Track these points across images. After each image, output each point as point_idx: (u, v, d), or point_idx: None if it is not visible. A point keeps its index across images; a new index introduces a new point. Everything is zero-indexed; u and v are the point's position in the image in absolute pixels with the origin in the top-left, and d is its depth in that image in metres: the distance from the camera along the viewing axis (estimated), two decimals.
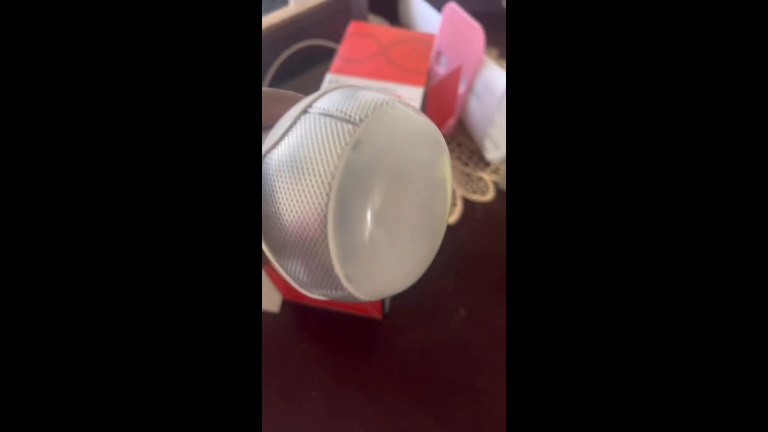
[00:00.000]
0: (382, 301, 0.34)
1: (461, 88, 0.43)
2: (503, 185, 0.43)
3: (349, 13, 0.52)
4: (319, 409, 0.31)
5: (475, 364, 0.33)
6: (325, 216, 0.12)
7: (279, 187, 0.13)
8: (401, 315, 0.36)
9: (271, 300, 0.36)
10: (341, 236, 0.13)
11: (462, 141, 0.47)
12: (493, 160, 0.44)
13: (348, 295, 0.14)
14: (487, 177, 0.44)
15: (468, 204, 0.42)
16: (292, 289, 0.34)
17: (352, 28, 0.43)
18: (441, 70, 0.46)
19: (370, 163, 0.13)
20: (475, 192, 0.43)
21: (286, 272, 0.15)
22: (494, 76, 0.40)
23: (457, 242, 0.39)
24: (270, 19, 0.46)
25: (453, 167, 0.44)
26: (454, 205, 0.42)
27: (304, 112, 0.14)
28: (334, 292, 0.14)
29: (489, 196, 0.43)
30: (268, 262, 0.16)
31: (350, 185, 0.12)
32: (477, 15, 0.42)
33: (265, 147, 0.14)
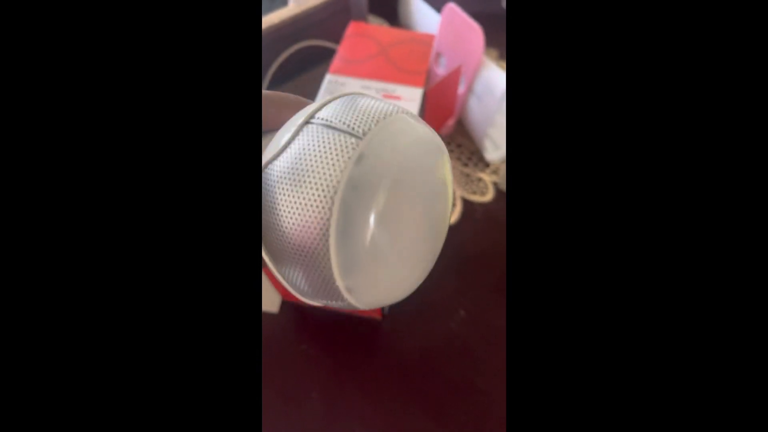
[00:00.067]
0: None
1: (461, 89, 0.43)
2: (503, 186, 0.43)
3: (349, 13, 0.52)
4: (319, 409, 0.31)
5: (475, 365, 0.33)
6: (327, 230, 0.12)
7: (280, 198, 0.13)
8: (401, 316, 0.36)
9: (270, 301, 0.36)
10: (343, 250, 0.13)
11: (462, 141, 0.47)
12: (493, 160, 0.44)
13: (347, 305, 0.14)
14: (487, 177, 0.44)
15: (468, 204, 0.42)
16: None
17: (352, 28, 0.43)
18: (441, 70, 0.46)
19: (372, 178, 0.13)
20: (474, 192, 0.43)
21: (286, 280, 0.15)
22: (494, 77, 0.40)
23: (457, 243, 0.39)
24: (269, 19, 0.46)
25: (453, 168, 0.44)
26: (453, 205, 0.42)
27: (307, 122, 0.14)
28: (333, 302, 0.14)
29: (489, 196, 0.43)
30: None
31: (352, 199, 0.12)
32: (476, 15, 0.42)
33: (266, 156, 0.14)
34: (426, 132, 0.15)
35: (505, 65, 0.49)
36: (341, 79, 0.38)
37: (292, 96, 0.18)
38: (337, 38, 0.49)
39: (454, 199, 0.43)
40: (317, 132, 0.13)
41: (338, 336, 0.35)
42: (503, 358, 0.34)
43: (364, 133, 0.13)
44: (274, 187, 0.13)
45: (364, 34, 0.42)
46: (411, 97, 0.37)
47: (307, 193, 0.13)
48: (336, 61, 0.39)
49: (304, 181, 0.13)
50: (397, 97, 0.37)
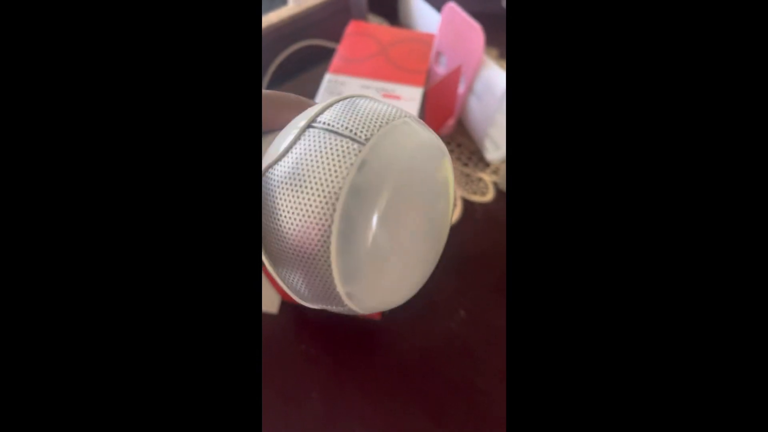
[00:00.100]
0: None
1: (461, 88, 0.43)
2: (503, 186, 0.43)
3: (349, 12, 0.52)
4: (318, 409, 0.31)
5: (475, 365, 0.33)
6: (329, 237, 0.12)
7: (281, 203, 0.13)
8: (401, 316, 0.36)
9: (269, 301, 0.36)
10: (344, 256, 0.13)
11: (462, 141, 0.47)
12: (493, 160, 0.44)
13: (347, 310, 0.14)
14: (487, 177, 0.44)
15: (468, 205, 0.42)
16: None
17: (352, 27, 0.42)
18: (441, 70, 0.46)
19: (374, 184, 0.13)
20: (474, 193, 0.43)
21: (285, 284, 0.15)
22: (494, 76, 0.40)
23: (457, 243, 0.39)
24: (269, 18, 0.46)
25: (453, 168, 0.44)
26: (454, 206, 0.42)
27: (309, 126, 0.14)
28: (333, 307, 0.14)
29: (489, 196, 0.43)
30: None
31: (354, 206, 0.12)
32: (477, 15, 0.42)
33: (268, 160, 0.14)
34: (428, 136, 0.15)
35: (505, 65, 0.49)
36: (341, 78, 0.38)
37: (292, 96, 0.17)
38: (336, 37, 0.49)
39: (455, 199, 0.42)
40: (319, 137, 0.13)
41: (338, 336, 0.35)
42: (503, 358, 0.33)
43: (367, 139, 0.13)
44: (275, 191, 0.13)
45: (364, 33, 0.42)
46: (411, 97, 0.37)
47: (309, 199, 0.13)
48: (336, 61, 0.39)
49: (306, 187, 0.13)
50: (397, 97, 0.37)
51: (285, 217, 0.13)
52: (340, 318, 0.35)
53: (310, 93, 0.39)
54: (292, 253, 0.13)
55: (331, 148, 0.13)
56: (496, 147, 0.44)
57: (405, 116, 0.14)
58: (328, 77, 0.38)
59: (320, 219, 0.12)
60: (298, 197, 0.13)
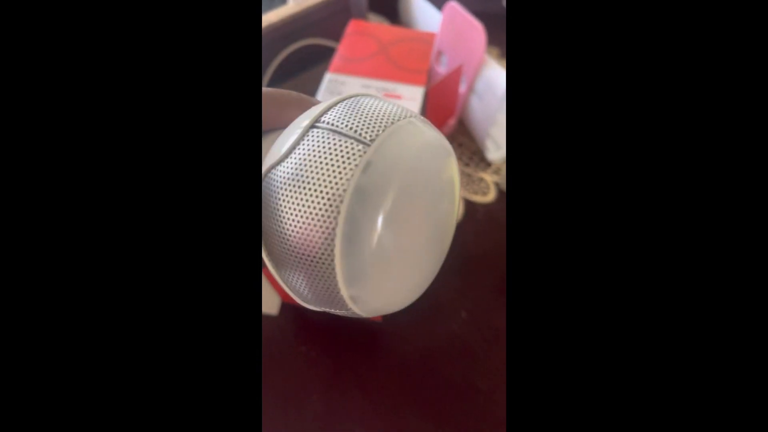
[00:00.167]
0: None
1: (462, 88, 0.43)
2: (505, 186, 0.43)
3: (349, 11, 0.51)
4: (319, 411, 0.31)
5: (476, 366, 0.33)
6: (333, 240, 0.12)
7: (284, 204, 0.13)
8: (402, 317, 0.35)
9: (270, 303, 0.36)
10: (348, 259, 0.12)
11: (463, 141, 0.47)
12: (495, 160, 0.44)
13: (351, 313, 0.14)
14: (489, 178, 0.44)
15: (469, 205, 0.42)
16: None
17: (352, 27, 0.42)
18: (442, 69, 0.46)
19: (379, 186, 0.12)
20: (476, 193, 0.43)
21: (288, 286, 0.14)
22: (495, 76, 0.39)
23: (459, 244, 0.39)
24: (269, 18, 0.46)
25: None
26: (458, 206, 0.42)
27: (312, 126, 0.13)
28: (336, 310, 0.14)
29: (490, 196, 0.43)
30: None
31: (359, 208, 0.12)
32: (478, 14, 0.42)
33: (271, 160, 0.13)
34: (434, 136, 0.14)
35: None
36: (341, 78, 0.37)
37: (294, 93, 0.17)
38: (337, 37, 0.49)
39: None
40: (323, 137, 0.13)
41: (339, 338, 0.34)
42: (505, 359, 0.33)
43: (372, 140, 0.13)
44: (278, 192, 0.13)
45: (365, 32, 0.42)
46: (412, 96, 0.37)
47: (312, 201, 0.12)
48: (336, 60, 0.39)
49: (309, 188, 0.12)
50: (398, 96, 0.37)
51: (288, 218, 0.13)
52: (340, 319, 0.35)
53: (311, 93, 0.39)
54: (295, 256, 0.13)
55: (335, 149, 0.13)
56: (497, 147, 0.44)
57: (410, 116, 0.14)
58: (328, 77, 0.37)
59: (324, 221, 0.12)
60: (301, 199, 0.12)
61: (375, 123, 0.13)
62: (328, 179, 0.12)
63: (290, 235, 0.13)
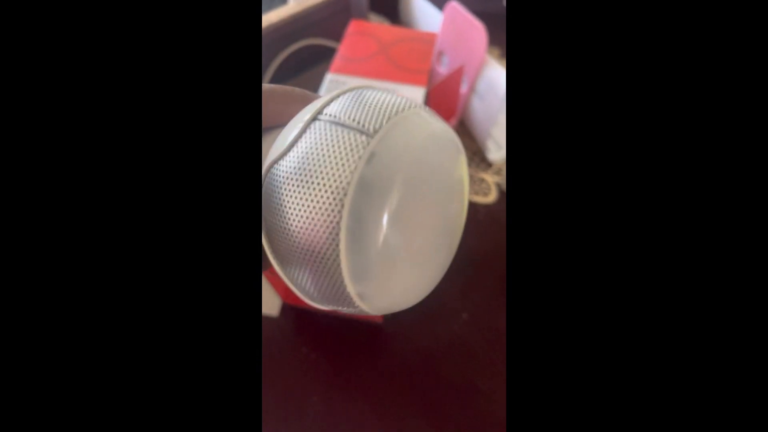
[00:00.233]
0: None
1: (463, 88, 0.43)
2: (506, 186, 0.43)
3: (349, 11, 0.51)
4: (320, 413, 0.31)
5: (478, 368, 0.33)
6: (337, 234, 0.12)
7: (287, 199, 0.12)
8: (403, 318, 0.35)
9: (270, 304, 0.36)
10: (354, 254, 0.12)
11: (464, 141, 0.47)
12: (496, 160, 0.44)
13: (359, 311, 0.14)
14: (490, 178, 0.44)
15: (470, 206, 0.42)
16: (291, 292, 0.33)
17: (353, 27, 0.42)
18: (443, 69, 0.46)
19: (384, 178, 0.12)
20: (477, 193, 0.43)
21: (293, 283, 0.14)
22: (496, 76, 0.39)
23: (460, 244, 0.39)
24: (269, 18, 0.46)
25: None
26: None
27: (314, 119, 0.13)
28: (344, 308, 0.14)
29: (491, 197, 0.43)
30: (270, 267, 0.16)
31: (363, 200, 0.12)
32: (479, 14, 0.42)
33: (273, 155, 0.13)
34: (441, 128, 0.14)
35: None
36: (342, 78, 0.37)
37: (297, 90, 0.17)
38: (337, 37, 0.49)
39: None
40: (325, 129, 0.13)
41: (339, 339, 0.34)
42: (506, 360, 0.33)
43: (375, 131, 0.12)
44: (281, 187, 0.13)
45: (365, 32, 0.42)
46: (413, 97, 0.36)
47: (315, 195, 0.12)
48: (337, 60, 0.39)
49: (312, 182, 0.12)
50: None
51: (291, 214, 0.12)
52: (341, 321, 0.35)
53: (314, 90, 0.38)
54: (300, 252, 0.13)
55: (337, 141, 0.12)
56: (498, 147, 0.44)
57: (415, 107, 0.14)
58: (329, 77, 0.37)
59: (328, 215, 0.12)
60: (304, 193, 0.12)
61: (379, 114, 0.13)
62: (330, 172, 0.12)
63: (294, 231, 0.12)
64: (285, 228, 0.13)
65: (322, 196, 0.12)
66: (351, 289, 0.13)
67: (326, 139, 0.12)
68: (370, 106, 0.13)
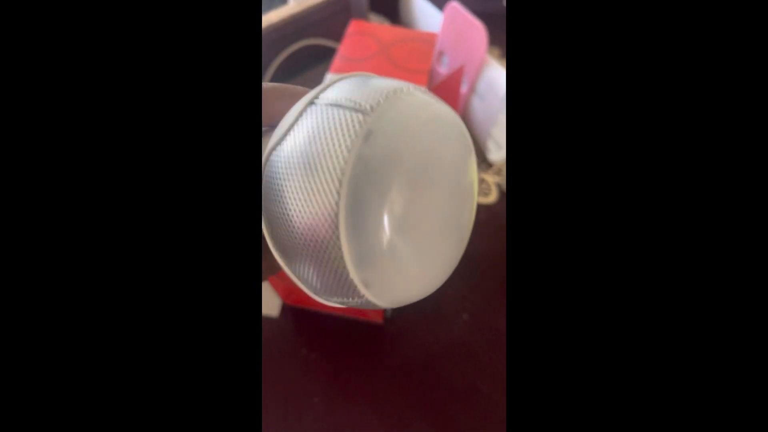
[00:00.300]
0: None
1: (463, 88, 0.43)
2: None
3: (350, 12, 0.51)
4: (320, 414, 0.31)
5: (478, 369, 0.33)
6: (337, 215, 0.11)
7: (286, 185, 0.12)
8: (403, 319, 0.35)
9: (270, 304, 0.36)
10: (355, 238, 0.12)
11: None
12: (496, 161, 0.44)
13: (366, 302, 0.13)
14: (490, 179, 0.44)
15: None
16: (291, 293, 0.33)
17: (353, 27, 0.42)
18: (443, 69, 0.46)
19: (384, 156, 0.11)
20: (477, 194, 0.43)
21: (298, 278, 0.14)
22: (497, 76, 0.39)
23: None
24: (269, 18, 0.46)
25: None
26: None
27: (311, 103, 0.13)
28: (351, 299, 0.13)
29: (492, 198, 0.43)
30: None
31: (363, 181, 0.11)
32: (479, 14, 0.42)
33: (271, 143, 0.13)
34: (445, 111, 0.13)
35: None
36: None
37: (300, 88, 0.17)
38: (337, 37, 0.49)
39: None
40: (321, 112, 0.12)
41: (339, 340, 0.34)
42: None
43: (372, 109, 0.12)
44: (279, 174, 0.12)
45: (365, 32, 0.41)
46: None
47: (313, 177, 0.12)
48: (337, 60, 0.39)
49: (310, 165, 0.12)
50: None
51: (290, 199, 0.12)
52: (341, 321, 0.35)
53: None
54: (301, 239, 0.12)
55: (333, 121, 0.12)
56: (498, 147, 0.44)
57: (416, 88, 0.13)
58: (329, 77, 0.37)
59: (326, 197, 0.11)
60: (302, 176, 0.12)
61: (377, 93, 0.12)
62: (327, 153, 0.12)
63: (294, 217, 0.12)
64: (285, 216, 0.12)
65: (319, 178, 0.12)
66: (354, 275, 0.12)
67: (322, 121, 0.12)
68: (368, 88, 0.12)
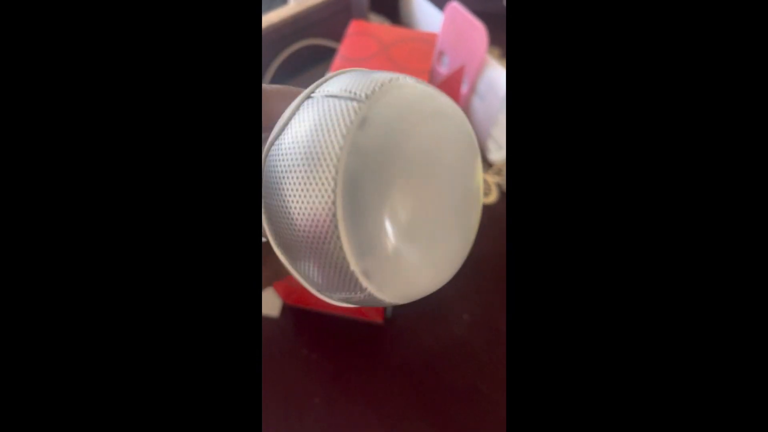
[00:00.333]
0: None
1: (464, 89, 0.43)
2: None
3: (350, 12, 0.51)
4: (320, 414, 0.31)
5: (479, 370, 0.33)
6: (334, 204, 0.11)
7: (285, 179, 0.12)
8: (404, 319, 0.35)
9: (270, 304, 0.36)
10: (354, 226, 0.11)
11: None
12: (496, 161, 0.44)
13: (370, 296, 0.13)
14: (490, 179, 0.44)
15: None
16: (292, 293, 0.33)
17: (353, 27, 0.42)
18: (443, 69, 0.46)
19: (381, 143, 0.11)
20: None
21: (302, 276, 0.14)
22: (497, 76, 0.39)
23: None
24: (270, 18, 0.46)
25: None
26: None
27: (308, 97, 0.13)
28: (354, 294, 0.13)
29: (492, 198, 0.43)
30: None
31: (360, 168, 0.11)
32: (479, 14, 0.42)
33: (269, 140, 0.13)
34: (447, 102, 0.13)
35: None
36: None
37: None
38: (338, 37, 0.49)
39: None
40: (318, 104, 0.12)
41: (340, 340, 0.34)
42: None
43: (367, 97, 0.12)
44: (278, 169, 0.12)
45: (365, 32, 0.41)
46: None
47: (310, 167, 0.11)
48: (337, 60, 0.39)
49: (306, 156, 0.12)
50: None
51: (289, 192, 0.12)
52: (341, 321, 0.35)
53: None
54: (301, 232, 0.12)
55: (329, 111, 0.12)
56: (499, 147, 0.44)
57: (413, 79, 0.13)
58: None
59: (324, 185, 0.11)
60: (299, 169, 0.12)
61: (372, 83, 0.12)
62: (322, 141, 0.11)
63: (293, 211, 0.12)
64: (285, 209, 0.12)
65: (316, 168, 0.11)
66: (355, 266, 0.12)
67: (318, 112, 0.12)
68: (364, 78, 0.12)
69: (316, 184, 0.11)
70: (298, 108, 0.13)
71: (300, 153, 0.12)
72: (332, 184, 0.11)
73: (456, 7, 0.41)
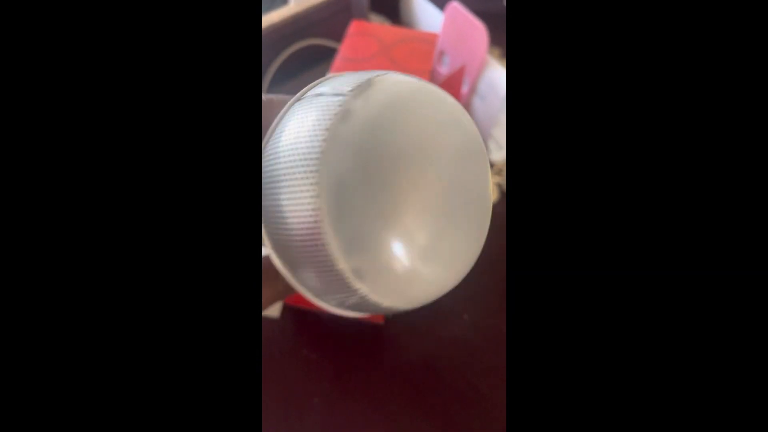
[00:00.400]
0: None
1: (464, 89, 0.43)
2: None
3: (350, 12, 0.51)
4: (321, 414, 0.31)
5: (479, 370, 0.33)
6: (318, 197, 0.11)
7: (274, 178, 0.12)
8: (404, 320, 0.35)
9: None
10: (338, 221, 0.11)
11: None
12: (496, 161, 0.44)
13: (364, 299, 0.12)
14: (490, 179, 0.44)
15: None
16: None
17: (353, 27, 0.42)
18: (444, 70, 0.46)
19: (366, 136, 0.11)
20: None
21: (296, 279, 0.13)
22: (497, 76, 0.39)
23: None
24: (270, 18, 0.45)
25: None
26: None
27: (298, 100, 0.13)
28: (347, 296, 0.12)
29: (492, 198, 0.43)
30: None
31: (344, 162, 0.11)
32: (479, 14, 0.42)
33: (263, 143, 0.13)
34: (444, 96, 0.13)
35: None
36: None
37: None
38: (338, 37, 0.49)
39: None
40: (306, 104, 0.12)
41: (340, 340, 0.34)
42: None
43: (351, 91, 0.12)
44: (268, 169, 0.12)
45: (366, 32, 0.41)
46: None
47: (295, 163, 0.11)
48: (337, 61, 0.39)
49: (291, 152, 0.11)
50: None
51: (279, 192, 0.12)
52: (342, 321, 0.35)
53: None
54: (292, 234, 0.12)
55: (313, 108, 0.12)
56: (499, 147, 0.44)
57: (408, 75, 0.13)
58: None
59: (307, 179, 0.11)
60: (285, 165, 0.12)
61: (358, 78, 0.12)
62: (306, 137, 0.11)
63: (284, 207, 0.12)
64: (277, 208, 0.12)
65: (300, 163, 0.11)
66: (344, 264, 0.11)
67: (305, 111, 0.12)
68: (355, 77, 0.12)
69: (301, 179, 0.11)
70: (287, 110, 0.13)
71: (286, 151, 0.12)
72: (316, 178, 0.11)
73: (456, 7, 0.41)
